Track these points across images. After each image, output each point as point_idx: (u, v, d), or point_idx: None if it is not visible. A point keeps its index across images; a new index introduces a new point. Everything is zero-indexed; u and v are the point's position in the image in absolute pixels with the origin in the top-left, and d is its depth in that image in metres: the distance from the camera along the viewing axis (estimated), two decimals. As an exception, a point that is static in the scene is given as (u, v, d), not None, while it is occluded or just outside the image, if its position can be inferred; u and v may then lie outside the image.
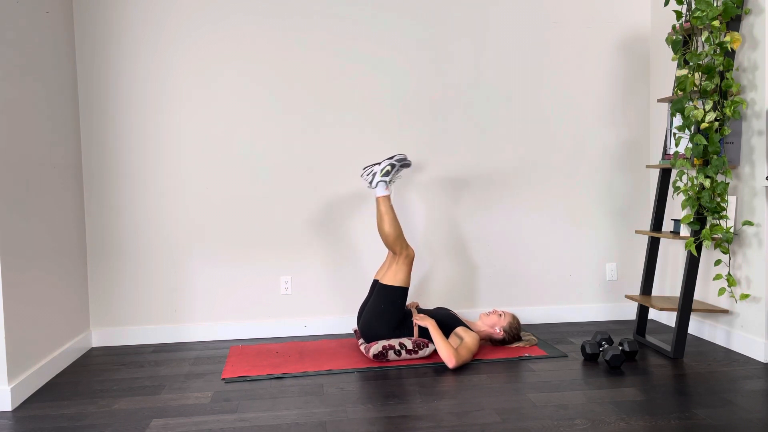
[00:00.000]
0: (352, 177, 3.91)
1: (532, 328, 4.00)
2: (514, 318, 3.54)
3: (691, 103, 3.28)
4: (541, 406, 2.66)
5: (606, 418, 2.53)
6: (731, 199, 3.34)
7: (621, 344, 3.29)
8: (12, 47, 2.92)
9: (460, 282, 4.05)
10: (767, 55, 3.13)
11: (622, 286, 4.20)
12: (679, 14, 3.39)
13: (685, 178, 3.64)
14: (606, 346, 3.31)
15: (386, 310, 3.35)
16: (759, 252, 3.21)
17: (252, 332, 3.89)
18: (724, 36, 3.24)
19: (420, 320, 3.35)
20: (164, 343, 3.82)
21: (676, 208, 3.89)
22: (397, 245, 3.39)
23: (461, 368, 3.19)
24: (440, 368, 3.20)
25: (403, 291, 3.38)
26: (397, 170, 3.49)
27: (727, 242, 3.23)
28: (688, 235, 3.37)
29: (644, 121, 4.14)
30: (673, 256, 3.96)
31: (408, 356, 3.29)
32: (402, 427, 2.48)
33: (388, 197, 3.43)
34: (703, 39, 3.23)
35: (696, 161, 3.24)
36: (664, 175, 3.67)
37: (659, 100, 3.61)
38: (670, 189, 3.94)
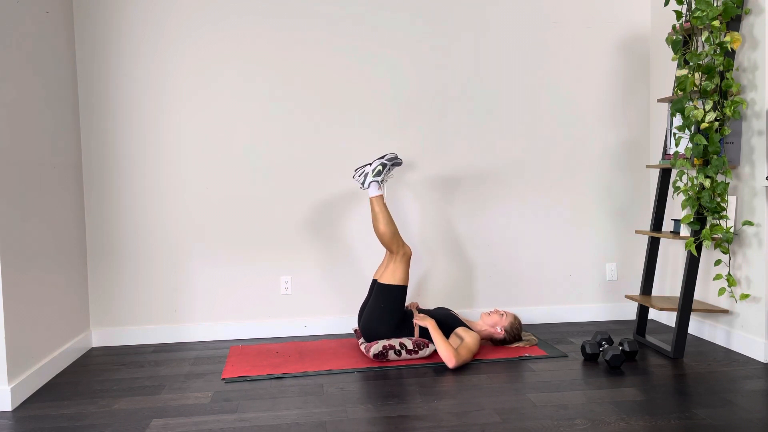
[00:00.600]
0: (352, 176, 3.91)
1: (532, 328, 4.00)
2: (516, 318, 3.54)
3: (691, 103, 3.28)
4: (541, 406, 2.66)
5: (606, 418, 2.53)
6: (731, 199, 3.34)
7: (621, 344, 3.29)
8: (12, 47, 2.92)
9: (459, 282, 4.05)
10: (767, 55, 3.13)
11: (622, 286, 4.20)
12: (679, 14, 3.39)
13: (685, 178, 3.64)
14: (606, 346, 3.31)
15: (386, 309, 3.35)
16: (759, 252, 3.21)
17: (252, 332, 3.89)
18: (724, 36, 3.24)
19: (420, 320, 3.35)
20: (164, 343, 3.82)
21: (676, 208, 3.89)
22: (394, 244, 3.39)
23: (461, 368, 3.19)
24: (440, 368, 3.20)
25: (402, 289, 3.38)
26: (389, 169, 3.50)
27: (727, 242, 3.23)
28: (688, 235, 3.37)
29: (644, 121, 4.14)
30: (673, 256, 3.96)
31: (408, 356, 3.29)
32: (402, 427, 2.48)
33: (381, 197, 3.43)
34: (703, 39, 3.23)
35: (696, 161, 3.24)
36: (664, 175, 3.67)
37: (659, 100, 3.61)
38: (670, 189, 3.94)
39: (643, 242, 4.19)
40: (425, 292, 4.03)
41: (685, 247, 3.27)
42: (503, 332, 3.49)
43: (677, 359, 3.29)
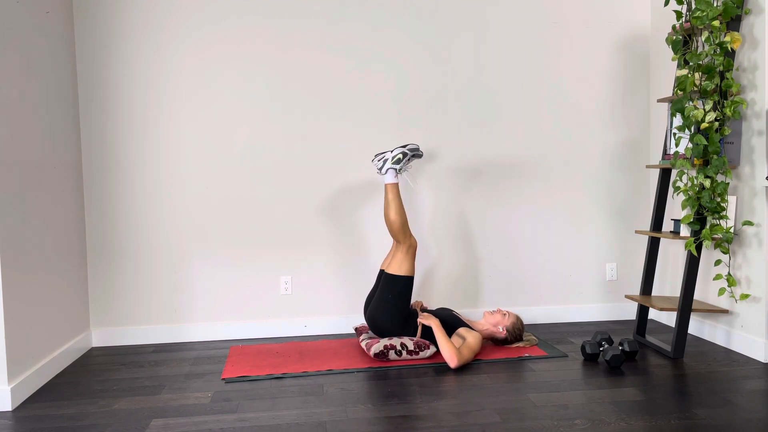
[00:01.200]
0: (352, 176, 3.91)
1: (533, 328, 4.00)
2: (518, 318, 3.55)
3: (691, 103, 3.28)
4: (541, 406, 2.66)
5: (606, 418, 2.53)
6: (731, 199, 3.34)
7: (621, 344, 3.29)
8: (12, 47, 2.92)
9: (460, 282, 4.05)
10: (767, 55, 3.13)
11: (622, 286, 4.20)
12: (679, 14, 3.39)
13: (685, 178, 3.64)
14: (606, 346, 3.31)
15: (394, 299, 3.37)
16: (759, 252, 3.21)
17: (252, 332, 3.89)
18: (724, 36, 3.24)
19: (424, 319, 3.35)
20: (164, 343, 3.82)
21: (676, 208, 3.89)
22: (401, 234, 3.40)
23: (461, 368, 3.19)
24: (440, 368, 3.20)
25: (408, 280, 3.39)
26: (409, 159, 3.51)
27: (727, 242, 3.23)
28: (688, 235, 3.37)
29: (644, 121, 4.14)
30: (673, 256, 3.96)
31: (409, 357, 3.29)
32: (402, 427, 2.48)
33: (396, 185, 3.45)
34: (703, 39, 3.23)
35: (696, 161, 3.24)
36: (664, 175, 3.67)
37: (659, 100, 3.61)
38: (670, 189, 3.94)
39: (643, 242, 4.19)
40: (428, 292, 4.02)
41: (685, 247, 3.27)
42: (505, 332, 3.49)
43: (677, 359, 3.29)
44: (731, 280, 3.28)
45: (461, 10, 3.95)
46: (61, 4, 3.49)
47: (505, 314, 3.54)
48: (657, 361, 3.26)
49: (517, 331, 3.51)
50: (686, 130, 3.30)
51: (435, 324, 3.30)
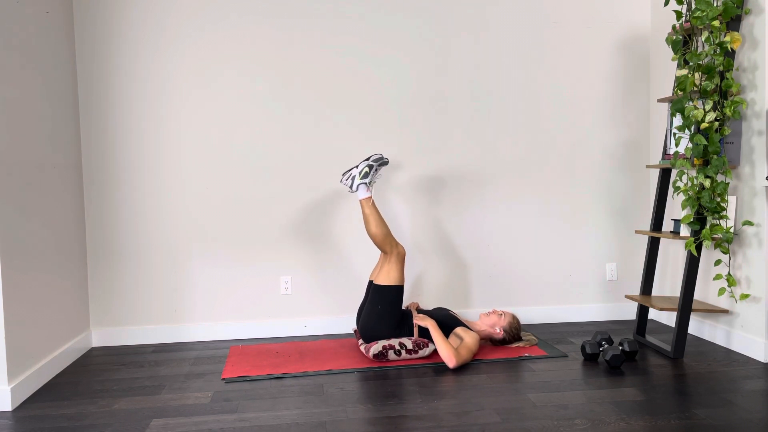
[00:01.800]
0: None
1: (532, 328, 4.00)
2: (514, 318, 3.54)
3: (691, 103, 3.28)
4: (541, 406, 2.66)
5: (606, 418, 2.53)
6: (731, 199, 3.34)
7: (621, 344, 3.29)
8: (12, 47, 2.92)
9: (459, 282, 4.05)
10: (767, 55, 3.13)
11: (622, 286, 4.20)
12: (679, 14, 3.39)
13: (685, 178, 3.64)
14: (606, 346, 3.31)
15: (384, 310, 3.35)
16: (759, 252, 3.21)
17: (252, 332, 3.89)
18: (724, 36, 3.24)
19: (420, 320, 3.35)
20: (164, 343, 3.82)
21: (676, 208, 3.89)
22: (387, 244, 3.39)
23: (461, 368, 3.19)
24: (440, 368, 3.20)
25: (398, 289, 3.38)
26: (376, 170, 3.49)
27: (727, 242, 3.23)
28: (688, 235, 3.37)
29: (644, 121, 4.14)
30: (673, 256, 3.96)
31: (408, 356, 3.29)
32: (402, 427, 2.48)
33: (370, 198, 3.43)
34: (703, 39, 3.23)
35: (696, 161, 3.24)
36: (664, 175, 3.67)
37: (659, 100, 3.61)
38: (670, 189, 3.94)
39: (643, 242, 4.19)
40: (425, 293, 4.02)
41: (685, 247, 3.27)
42: (502, 332, 3.49)
43: (677, 359, 3.29)
44: (731, 280, 3.28)
45: (461, 10, 3.95)
46: (61, 4, 3.49)
47: (501, 314, 3.53)
48: (657, 361, 3.26)
49: (515, 330, 3.51)
50: (686, 130, 3.30)
51: (431, 325, 3.30)
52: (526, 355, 3.37)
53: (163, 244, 3.80)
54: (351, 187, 3.47)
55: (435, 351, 3.38)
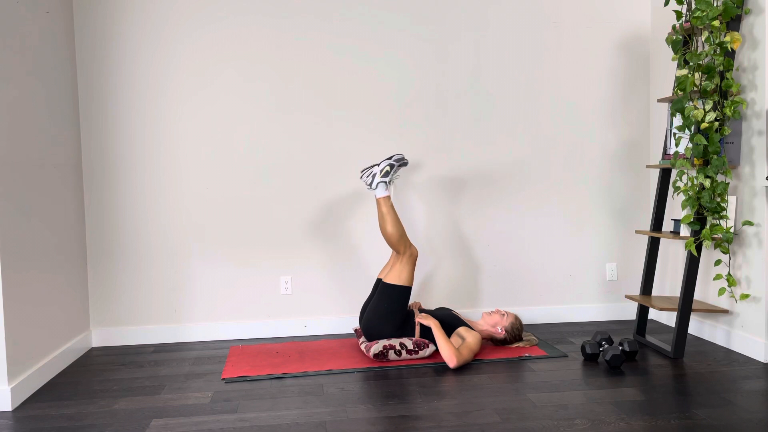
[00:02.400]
0: (352, 176, 3.91)
1: (533, 328, 4.00)
2: (517, 318, 3.54)
3: (691, 103, 3.28)
4: (541, 406, 2.66)
5: (606, 418, 2.53)
6: (731, 199, 3.34)
7: (621, 344, 3.29)
8: (12, 47, 2.92)
9: (460, 282, 4.05)
10: (767, 55, 3.13)
11: (622, 286, 4.20)
12: (679, 14, 3.39)
13: (685, 178, 3.64)
14: (606, 346, 3.31)
15: (389, 309, 3.36)
16: (759, 252, 3.21)
17: (252, 332, 3.89)
18: (724, 36, 3.24)
19: (423, 319, 3.35)
20: (164, 343, 3.82)
21: (676, 208, 3.89)
22: (401, 245, 3.39)
23: (461, 368, 3.19)
24: (440, 368, 3.20)
25: (406, 290, 3.38)
26: (396, 170, 3.50)
27: (727, 242, 3.23)
28: (688, 235, 3.37)
29: (644, 121, 4.14)
30: (673, 256, 3.96)
31: (408, 356, 3.29)
32: (402, 427, 2.48)
33: (388, 197, 3.44)
34: (703, 39, 3.23)
35: (696, 161, 3.24)
36: (664, 175, 3.67)
37: (659, 100, 3.61)
38: (670, 189, 3.94)
39: (643, 242, 4.19)
40: (429, 292, 4.03)
41: (685, 247, 3.27)
42: (504, 332, 3.49)
43: (677, 359, 3.29)
44: (731, 280, 3.28)
45: (461, 11, 3.95)
46: (61, 4, 3.49)
47: (503, 314, 3.54)
48: (657, 361, 3.26)
49: (516, 331, 3.51)
50: (686, 130, 3.30)
51: (434, 324, 3.30)
52: (527, 355, 3.37)
53: (163, 243, 3.80)
54: (370, 184, 3.47)
55: (435, 351, 3.39)
